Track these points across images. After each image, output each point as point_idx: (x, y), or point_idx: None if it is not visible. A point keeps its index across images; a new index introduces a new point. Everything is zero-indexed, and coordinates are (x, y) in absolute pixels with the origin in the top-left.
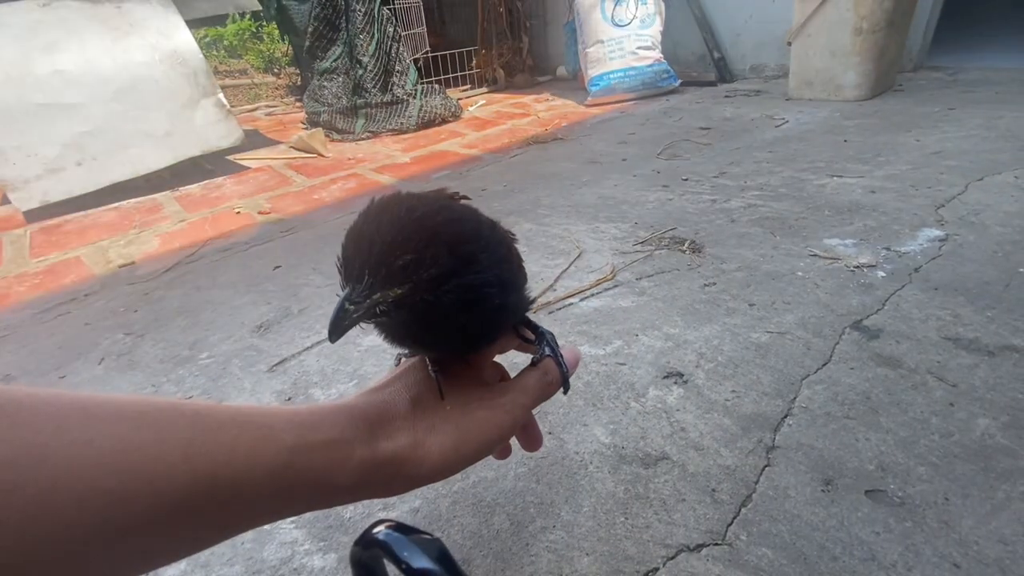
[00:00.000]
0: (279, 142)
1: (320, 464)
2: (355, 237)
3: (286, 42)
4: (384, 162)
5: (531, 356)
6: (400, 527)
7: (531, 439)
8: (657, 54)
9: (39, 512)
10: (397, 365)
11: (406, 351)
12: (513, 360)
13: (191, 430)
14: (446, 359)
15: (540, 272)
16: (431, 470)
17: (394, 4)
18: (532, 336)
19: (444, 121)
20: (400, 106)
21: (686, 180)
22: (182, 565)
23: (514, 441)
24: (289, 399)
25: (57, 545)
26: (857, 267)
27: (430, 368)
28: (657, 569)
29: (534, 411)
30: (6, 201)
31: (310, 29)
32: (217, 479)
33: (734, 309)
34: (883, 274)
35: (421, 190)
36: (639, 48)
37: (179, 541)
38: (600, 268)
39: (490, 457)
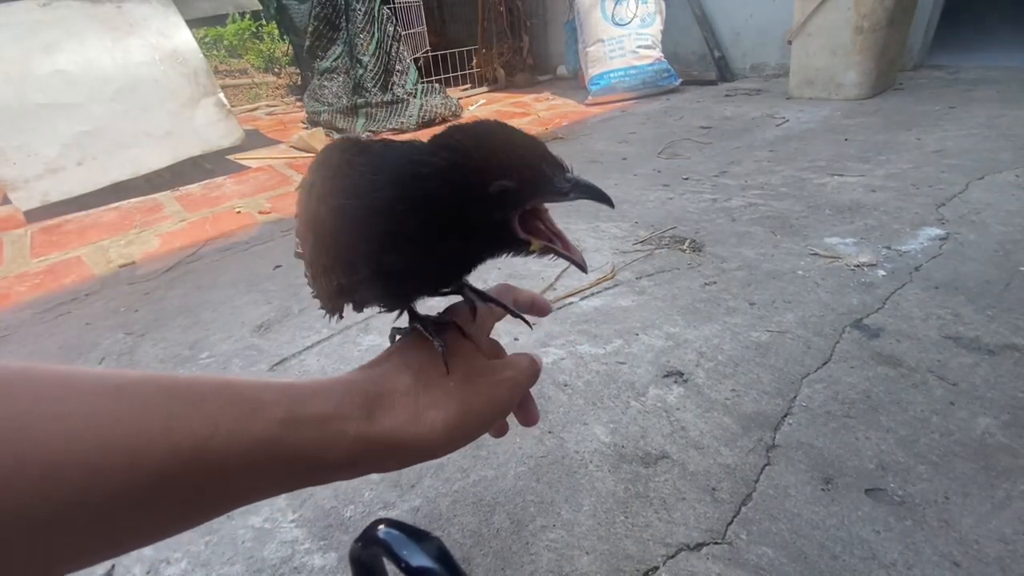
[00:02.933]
0: (279, 142)
1: (312, 439)
2: (532, 138)
3: (286, 42)
4: None
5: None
6: (400, 526)
7: (528, 414)
8: (657, 53)
9: (11, 485)
10: (393, 342)
11: (404, 295)
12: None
13: (171, 403)
14: (447, 334)
15: (540, 271)
16: (433, 444)
17: (394, 3)
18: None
19: (444, 120)
20: (400, 105)
21: (686, 179)
22: (183, 564)
23: (512, 420)
24: None
25: (31, 518)
26: (858, 266)
27: (436, 343)
28: (657, 568)
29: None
30: (6, 201)
31: (310, 28)
32: (200, 453)
33: (734, 308)
34: (883, 273)
35: None
36: (639, 47)
37: (163, 517)
38: (600, 267)
39: (489, 456)
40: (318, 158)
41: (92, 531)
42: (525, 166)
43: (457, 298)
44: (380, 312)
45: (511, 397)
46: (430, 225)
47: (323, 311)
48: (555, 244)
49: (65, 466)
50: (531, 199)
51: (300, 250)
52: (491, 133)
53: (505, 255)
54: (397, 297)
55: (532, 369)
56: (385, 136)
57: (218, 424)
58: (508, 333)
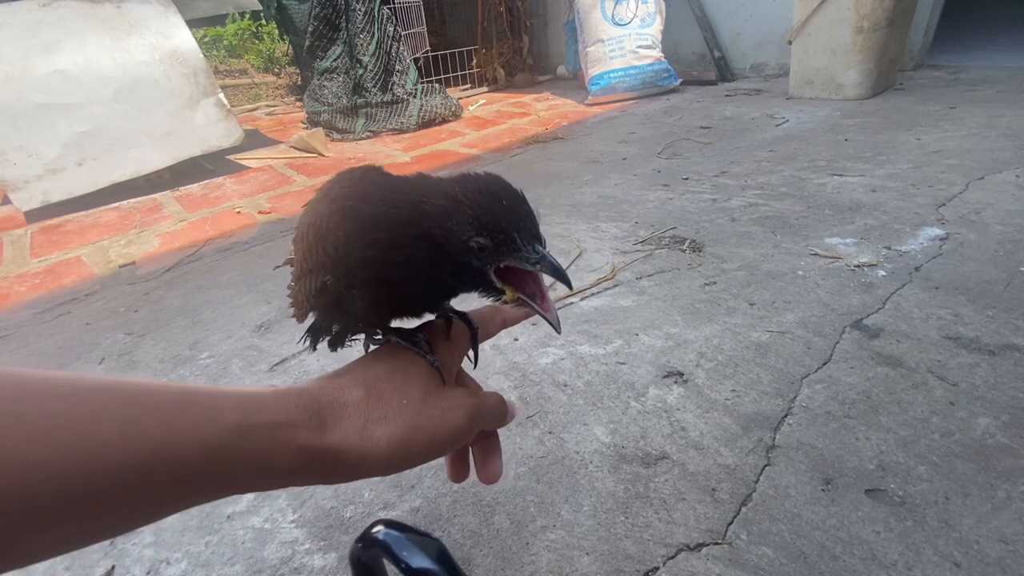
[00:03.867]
0: (279, 142)
1: (262, 446)
2: (521, 206)
3: (286, 42)
4: (384, 161)
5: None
6: (400, 527)
7: (489, 467)
8: (657, 53)
9: None
10: (367, 351)
11: (372, 323)
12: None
13: (129, 408)
14: (421, 348)
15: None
16: (377, 462)
17: (394, 3)
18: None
19: (444, 120)
20: (400, 105)
21: (686, 179)
22: (183, 564)
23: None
24: None
25: None
26: (858, 266)
27: (429, 358)
28: (657, 568)
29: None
30: (7, 201)
31: (310, 29)
32: (154, 457)
33: (734, 308)
34: (884, 273)
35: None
36: (639, 47)
37: (117, 516)
38: (600, 267)
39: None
40: (339, 175)
41: (48, 528)
42: (501, 231)
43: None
44: (356, 340)
45: (466, 426)
46: (425, 252)
47: (309, 335)
48: (534, 300)
49: (25, 465)
50: (503, 260)
51: (292, 256)
52: (485, 194)
53: (482, 296)
54: (383, 313)
55: (499, 408)
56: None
57: (172, 430)
58: (508, 333)
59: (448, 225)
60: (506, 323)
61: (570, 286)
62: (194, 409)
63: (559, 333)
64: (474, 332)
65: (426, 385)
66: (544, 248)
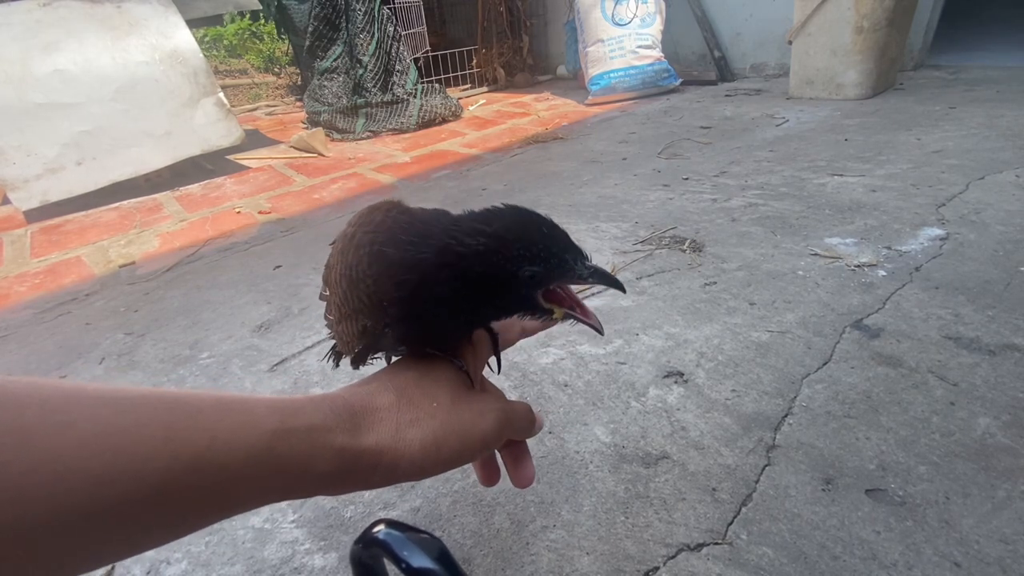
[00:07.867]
0: (279, 142)
1: (301, 450)
2: (558, 229)
3: (286, 42)
4: (384, 161)
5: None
6: (400, 526)
7: (521, 471)
8: (658, 53)
9: (22, 492)
10: (388, 362)
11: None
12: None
13: (171, 415)
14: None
15: None
16: (411, 465)
17: (394, 3)
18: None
19: (444, 120)
20: (400, 105)
21: (687, 179)
22: (183, 564)
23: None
24: None
25: (40, 524)
26: (858, 266)
27: (456, 362)
28: (658, 568)
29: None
30: (6, 201)
31: (310, 29)
32: (198, 462)
33: (735, 308)
34: (884, 273)
35: (421, 203)
36: (639, 47)
37: (166, 522)
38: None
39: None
40: (361, 215)
41: (100, 535)
42: (552, 256)
43: None
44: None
45: (495, 430)
46: (463, 291)
47: (334, 354)
48: (575, 311)
49: (73, 473)
50: (555, 282)
51: (327, 293)
52: (524, 224)
53: (526, 318)
54: (414, 344)
55: (527, 416)
56: (416, 209)
57: (215, 435)
58: None
59: (495, 261)
60: (525, 332)
61: (623, 290)
62: (234, 415)
63: (603, 335)
64: (495, 337)
65: (455, 389)
66: (590, 260)
